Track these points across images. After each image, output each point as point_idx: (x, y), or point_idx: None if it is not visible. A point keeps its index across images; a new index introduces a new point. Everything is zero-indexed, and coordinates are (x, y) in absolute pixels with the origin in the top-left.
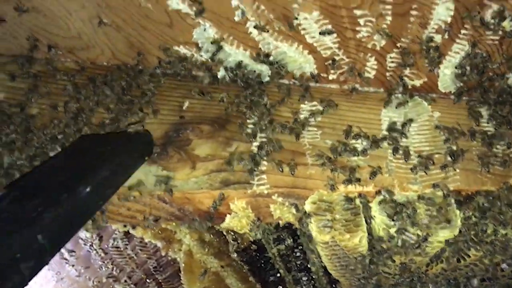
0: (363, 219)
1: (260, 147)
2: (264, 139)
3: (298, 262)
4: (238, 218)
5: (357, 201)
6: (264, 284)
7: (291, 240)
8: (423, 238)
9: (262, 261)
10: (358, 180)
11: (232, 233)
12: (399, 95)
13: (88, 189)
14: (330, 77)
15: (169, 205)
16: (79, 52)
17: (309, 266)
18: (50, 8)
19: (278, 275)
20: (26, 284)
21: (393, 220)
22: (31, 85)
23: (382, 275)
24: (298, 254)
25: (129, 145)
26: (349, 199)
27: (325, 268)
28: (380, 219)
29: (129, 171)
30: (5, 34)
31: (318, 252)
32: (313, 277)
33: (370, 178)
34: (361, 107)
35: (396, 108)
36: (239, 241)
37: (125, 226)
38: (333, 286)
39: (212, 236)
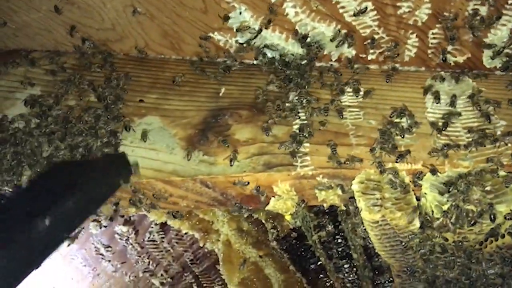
0: (414, 197)
1: (300, 129)
2: (304, 121)
3: (340, 249)
4: (283, 201)
5: (406, 179)
6: (304, 273)
7: (332, 226)
8: (478, 214)
9: (302, 249)
10: (407, 158)
11: (271, 221)
12: (442, 73)
13: (46, 222)
14: (369, 57)
15: (211, 190)
16: (113, 44)
17: (350, 253)
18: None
19: (319, 263)
20: None
21: (445, 197)
22: (67, 78)
23: (433, 255)
24: (339, 240)
25: (102, 173)
26: (398, 177)
27: (367, 255)
28: (431, 197)
29: (101, 199)
30: (39, 29)
31: (363, 235)
32: (355, 264)
33: (416, 158)
34: (403, 87)
35: (439, 86)
36: (278, 229)
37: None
38: (376, 272)
39: (250, 225)
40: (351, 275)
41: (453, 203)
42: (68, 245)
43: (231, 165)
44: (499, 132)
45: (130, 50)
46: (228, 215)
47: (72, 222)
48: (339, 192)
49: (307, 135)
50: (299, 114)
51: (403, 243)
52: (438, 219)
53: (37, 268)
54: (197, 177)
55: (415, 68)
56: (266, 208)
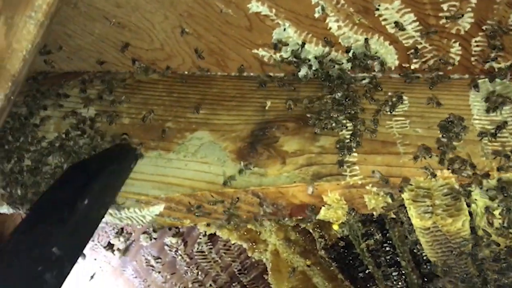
0: (464, 203)
1: (348, 139)
2: (351, 131)
3: (388, 257)
4: (333, 210)
5: (456, 185)
6: (353, 281)
7: (380, 234)
8: None
9: (350, 258)
10: (457, 165)
11: (318, 231)
12: (486, 79)
13: (85, 202)
14: (413, 66)
15: (263, 201)
16: (161, 63)
17: (399, 260)
18: (135, 22)
19: (367, 271)
20: None
21: (496, 202)
22: (118, 98)
23: (486, 261)
24: (387, 248)
25: (116, 159)
26: (447, 184)
27: (415, 262)
28: (482, 202)
29: (120, 180)
30: (92, 51)
31: (412, 242)
32: (404, 272)
33: (466, 162)
34: (448, 94)
35: (484, 93)
36: (326, 238)
37: (208, 225)
38: (425, 280)
39: (298, 234)
40: (399, 283)
41: (505, 208)
42: (120, 257)
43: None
44: None
45: (178, 68)
46: (275, 225)
47: (104, 200)
48: (389, 200)
49: (355, 145)
50: (346, 125)
51: (455, 249)
52: (489, 224)
53: (89, 237)
54: (248, 188)
55: (458, 75)
56: (317, 218)
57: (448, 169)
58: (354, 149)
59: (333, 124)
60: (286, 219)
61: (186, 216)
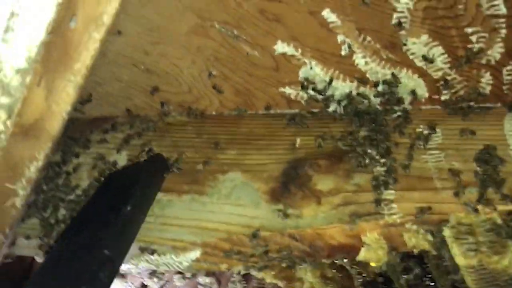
0: (510, 239)
1: (383, 176)
2: (385, 168)
3: None
4: (373, 250)
5: (498, 220)
6: None
7: (420, 269)
8: None
9: None
10: (497, 199)
11: (356, 267)
12: None
13: (129, 208)
14: (443, 97)
15: (300, 243)
16: (190, 105)
17: None
18: (163, 68)
19: None
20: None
21: None
22: (148, 141)
23: None
24: (427, 283)
25: (151, 168)
26: (490, 220)
27: None
28: None
29: (156, 187)
30: (121, 97)
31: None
32: None
33: (507, 197)
34: (481, 125)
35: None
36: (364, 275)
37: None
38: None
39: (334, 271)
40: None
41: None
42: None
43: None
44: None
45: (206, 109)
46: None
47: (144, 205)
48: (429, 238)
49: (391, 181)
50: (380, 160)
51: (501, 285)
52: None
53: (133, 240)
54: (285, 230)
55: (491, 105)
56: (358, 259)
57: (489, 204)
58: (390, 186)
59: (367, 161)
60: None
61: (223, 261)
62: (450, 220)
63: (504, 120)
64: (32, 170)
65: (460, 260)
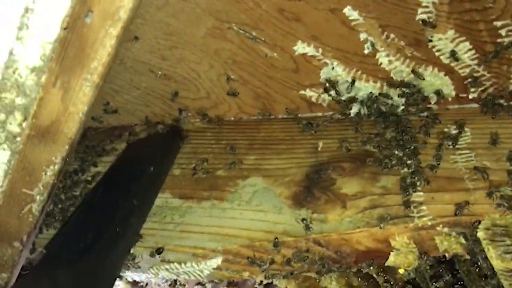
0: None
1: (411, 177)
2: (413, 169)
3: None
4: (403, 255)
5: None
6: None
7: (450, 275)
8: None
9: None
10: None
11: (383, 275)
12: None
13: (152, 168)
14: (471, 96)
15: (325, 248)
16: (208, 111)
17: None
18: (181, 73)
19: None
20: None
21: None
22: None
23: None
24: None
25: (168, 138)
26: None
27: None
28: None
29: (174, 154)
30: (139, 105)
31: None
32: None
33: None
34: None
35: None
36: (392, 283)
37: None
38: None
39: (360, 280)
40: None
41: None
42: None
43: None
44: None
45: (224, 115)
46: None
47: (165, 168)
48: (462, 241)
49: (419, 183)
50: (407, 162)
51: None
52: None
53: (156, 196)
54: (309, 236)
55: None
56: (387, 264)
57: None
58: (419, 188)
59: (394, 162)
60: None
61: (245, 269)
62: (484, 222)
63: None
64: (49, 174)
65: (497, 264)
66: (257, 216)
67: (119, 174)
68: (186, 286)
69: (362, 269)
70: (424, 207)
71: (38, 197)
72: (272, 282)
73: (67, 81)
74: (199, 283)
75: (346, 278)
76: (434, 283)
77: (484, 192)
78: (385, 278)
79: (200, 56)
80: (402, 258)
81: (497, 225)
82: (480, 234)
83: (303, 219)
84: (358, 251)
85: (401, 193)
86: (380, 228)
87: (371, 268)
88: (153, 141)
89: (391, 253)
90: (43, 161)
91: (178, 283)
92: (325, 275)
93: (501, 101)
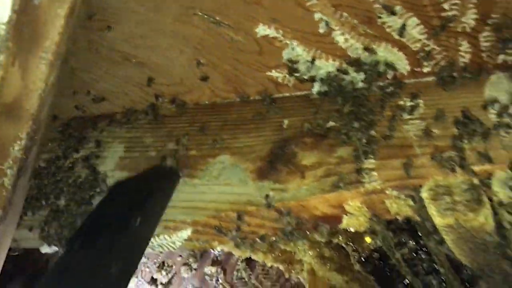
0: (485, 196)
1: (364, 147)
2: (367, 139)
3: (425, 265)
4: (355, 217)
5: (475, 180)
6: None
7: (413, 242)
8: None
9: (387, 269)
10: (475, 160)
11: (351, 244)
12: (500, 74)
13: (138, 221)
14: (425, 69)
15: (285, 216)
16: (183, 96)
17: (437, 267)
18: (154, 60)
19: (406, 282)
20: None
21: None
22: (144, 133)
23: None
24: (423, 256)
25: (161, 179)
26: (467, 180)
27: (454, 267)
28: (502, 194)
29: (167, 199)
30: (117, 93)
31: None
32: (443, 278)
33: (485, 157)
34: (462, 92)
35: (499, 87)
36: (359, 251)
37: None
38: (466, 285)
39: (331, 250)
40: None
41: None
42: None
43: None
44: None
45: (199, 99)
46: (307, 243)
47: (154, 221)
48: (411, 203)
49: (371, 151)
50: (363, 133)
51: (481, 245)
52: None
53: (141, 256)
54: (270, 204)
55: (471, 73)
56: (341, 227)
57: (466, 165)
58: (370, 156)
59: (351, 134)
60: (317, 236)
61: (214, 238)
62: (428, 183)
63: (485, 87)
64: (17, 149)
65: (438, 221)
66: (224, 189)
67: (99, 228)
68: (173, 267)
69: (332, 241)
70: (375, 173)
71: (8, 171)
72: (252, 259)
73: (24, 60)
74: (185, 264)
75: (318, 249)
76: (398, 250)
77: (430, 157)
78: (354, 247)
79: (170, 42)
80: (354, 221)
81: (440, 185)
82: (424, 194)
83: (264, 190)
84: (316, 217)
85: (355, 162)
86: (333, 193)
87: (340, 238)
88: (144, 181)
89: (344, 216)
90: (10, 137)
91: (166, 264)
92: (290, 242)
93: (454, 73)
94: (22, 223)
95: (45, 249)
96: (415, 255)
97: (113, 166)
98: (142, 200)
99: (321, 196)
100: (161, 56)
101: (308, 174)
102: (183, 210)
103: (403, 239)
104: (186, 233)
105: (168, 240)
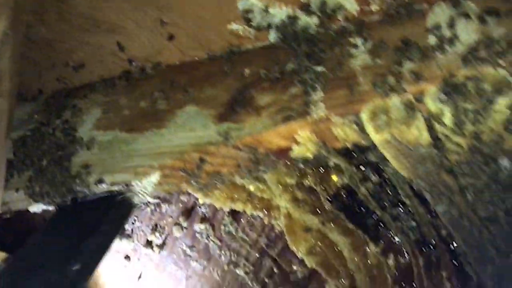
0: (418, 111)
1: (312, 81)
2: (316, 76)
3: (390, 198)
4: (304, 146)
5: (410, 97)
6: (364, 229)
7: (377, 176)
8: (482, 108)
9: (356, 205)
10: (411, 80)
11: (320, 185)
12: (442, 3)
13: (77, 267)
14: (373, 8)
15: (243, 152)
16: (154, 58)
17: (402, 199)
18: (121, 25)
19: (376, 216)
20: None
21: (446, 103)
22: (119, 96)
23: (456, 166)
24: (388, 189)
25: (107, 213)
26: (403, 100)
27: (420, 197)
28: (434, 107)
29: (112, 237)
30: (94, 61)
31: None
32: (410, 210)
33: (419, 76)
34: (405, 23)
35: (440, 14)
36: (327, 189)
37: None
38: (433, 215)
39: (303, 193)
40: (409, 222)
41: (453, 107)
42: (159, 252)
43: None
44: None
45: (168, 60)
46: (280, 187)
47: (93, 263)
48: (355, 127)
49: (318, 85)
50: (314, 70)
51: (419, 157)
52: (444, 125)
53: None
54: (228, 142)
55: (418, 6)
56: (292, 156)
57: (401, 86)
58: (318, 89)
59: (303, 71)
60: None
61: (182, 181)
62: (367, 106)
63: (427, 16)
64: None
65: (375, 138)
66: (188, 135)
67: (31, 270)
68: (166, 228)
69: (303, 183)
70: (321, 104)
71: None
72: (236, 211)
73: None
74: (176, 223)
75: (290, 192)
76: (363, 184)
77: (371, 83)
78: (322, 186)
79: (133, 4)
80: (304, 149)
81: (378, 107)
82: (363, 115)
83: (223, 130)
84: (271, 150)
85: (304, 96)
86: (284, 125)
87: (309, 179)
88: (92, 215)
89: (294, 145)
90: None
91: (158, 226)
92: (254, 180)
93: (400, 9)
94: (8, 185)
95: (33, 208)
96: (380, 188)
97: (91, 126)
98: (82, 241)
99: (273, 129)
100: (126, 19)
101: (263, 112)
102: (151, 156)
103: (366, 173)
104: (155, 177)
105: (140, 186)
